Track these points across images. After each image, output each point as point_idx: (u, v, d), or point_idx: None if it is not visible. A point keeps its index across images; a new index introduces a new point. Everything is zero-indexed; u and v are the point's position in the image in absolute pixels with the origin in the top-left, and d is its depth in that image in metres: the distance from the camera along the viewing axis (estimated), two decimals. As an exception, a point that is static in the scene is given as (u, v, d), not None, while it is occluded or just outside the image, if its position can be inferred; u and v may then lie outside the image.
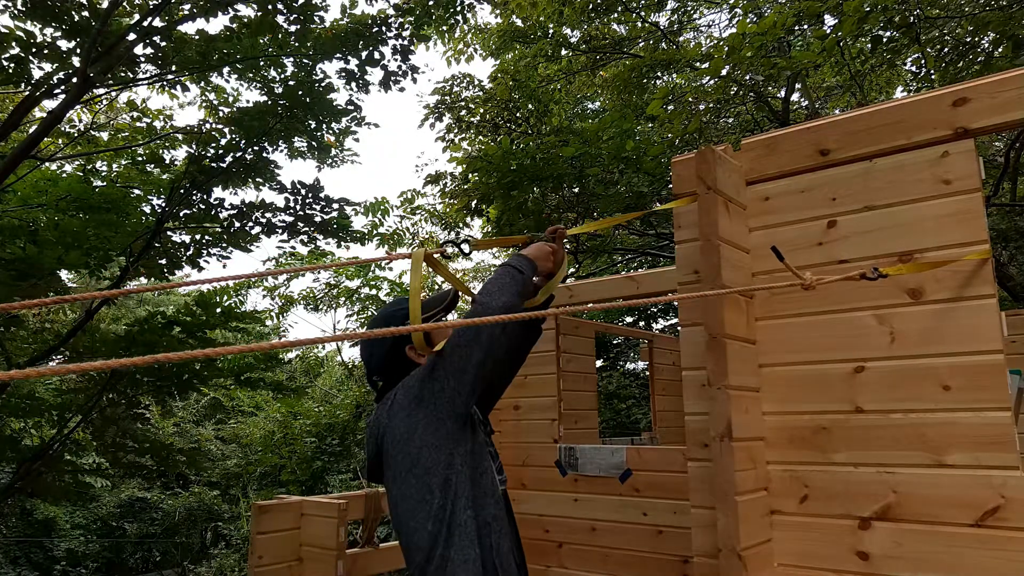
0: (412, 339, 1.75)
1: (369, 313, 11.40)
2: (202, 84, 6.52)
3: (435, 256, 1.76)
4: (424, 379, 1.68)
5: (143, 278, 6.77)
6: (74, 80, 4.94)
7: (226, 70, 6.04)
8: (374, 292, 11.23)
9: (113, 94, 6.65)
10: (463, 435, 1.66)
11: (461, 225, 10.61)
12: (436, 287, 10.83)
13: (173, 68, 5.68)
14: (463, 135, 9.18)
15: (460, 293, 1.96)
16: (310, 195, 6.25)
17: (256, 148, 6.00)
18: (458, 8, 6.98)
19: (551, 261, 1.94)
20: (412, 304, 1.65)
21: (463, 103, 9.07)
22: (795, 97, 8.51)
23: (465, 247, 1.81)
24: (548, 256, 1.92)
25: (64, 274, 6.23)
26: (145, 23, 5.11)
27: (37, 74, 5.14)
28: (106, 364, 0.67)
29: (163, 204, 6.04)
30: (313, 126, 6.27)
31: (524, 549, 1.89)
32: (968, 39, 6.00)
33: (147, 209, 6.26)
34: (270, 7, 5.41)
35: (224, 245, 6.29)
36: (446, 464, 1.61)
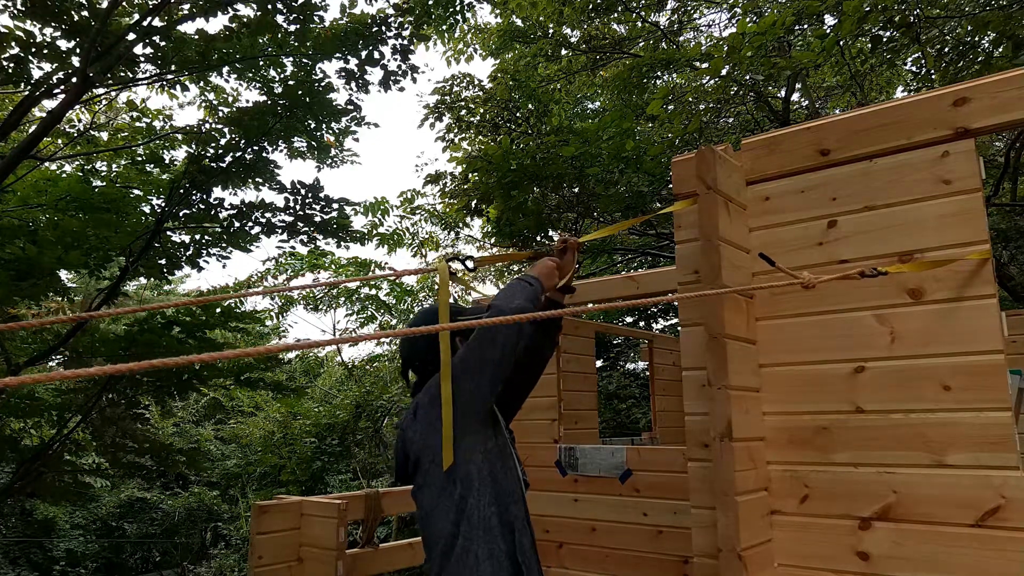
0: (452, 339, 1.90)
1: (369, 313, 11.41)
2: (202, 84, 6.51)
3: (453, 270, 1.90)
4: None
5: (143, 278, 6.77)
6: (74, 80, 4.94)
7: (226, 70, 6.04)
8: (374, 292, 11.22)
9: (113, 94, 6.64)
10: (484, 432, 1.75)
11: (461, 225, 10.59)
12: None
13: (173, 68, 5.68)
14: (463, 135, 9.17)
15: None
16: (310, 195, 6.26)
17: (256, 148, 6.00)
18: (458, 8, 6.98)
19: (556, 277, 2.02)
20: (441, 299, 1.82)
21: (463, 103, 9.05)
22: (795, 97, 8.51)
23: (469, 263, 1.90)
24: (552, 273, 2.00)
25: (64, 274, 6.24)
26: (145, 23, 5.10)
27: (37, 74, 5.15)
28: (101, 370, 0.65)
29: (163, 204, 6.04)
30: (313, 126, 6.27)
31: None
32: (968, 39, 5.99)
33: (147, 209, 6.27)
34: (270, 7, 5.41)
35: (224, 245, 6.30)
36: (466, 459, 1.69)
